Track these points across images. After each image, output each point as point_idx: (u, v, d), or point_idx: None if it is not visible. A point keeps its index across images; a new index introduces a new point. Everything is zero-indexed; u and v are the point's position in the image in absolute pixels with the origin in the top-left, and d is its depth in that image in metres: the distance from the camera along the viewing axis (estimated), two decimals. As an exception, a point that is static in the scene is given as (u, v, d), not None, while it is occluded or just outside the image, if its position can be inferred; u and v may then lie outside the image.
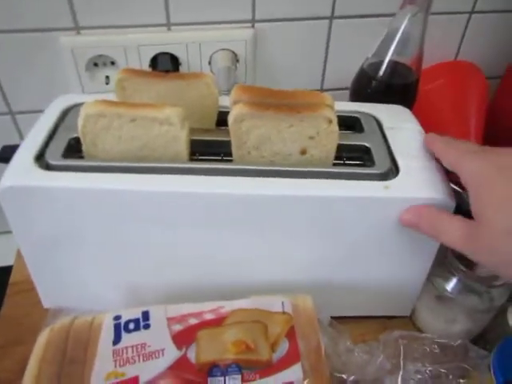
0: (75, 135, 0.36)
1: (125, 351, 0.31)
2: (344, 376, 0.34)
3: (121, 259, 0.38)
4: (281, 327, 0.33)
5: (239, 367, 0.30)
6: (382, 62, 0.45)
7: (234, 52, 0.52)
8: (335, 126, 0.34)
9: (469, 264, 0.39)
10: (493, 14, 0.57)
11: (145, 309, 0.33)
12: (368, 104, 0.43)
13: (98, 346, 0.31)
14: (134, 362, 0.30)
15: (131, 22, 0.49)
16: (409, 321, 0.44)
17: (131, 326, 0.32)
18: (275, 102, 0.35)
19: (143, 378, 0.30)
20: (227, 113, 0.36)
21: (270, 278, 0.39)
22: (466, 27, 0.58)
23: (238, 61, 0.53)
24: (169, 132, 0.34)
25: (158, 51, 0.50)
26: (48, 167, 0.34)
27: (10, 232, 0.35)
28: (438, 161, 0.36)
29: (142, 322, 0.33)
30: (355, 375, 0.34)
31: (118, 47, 0.49)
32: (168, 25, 0.50)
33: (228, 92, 0.52)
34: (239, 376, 0.30)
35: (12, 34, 0.47)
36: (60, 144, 0.36)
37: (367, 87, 0.46)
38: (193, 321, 0.33)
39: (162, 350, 0.31)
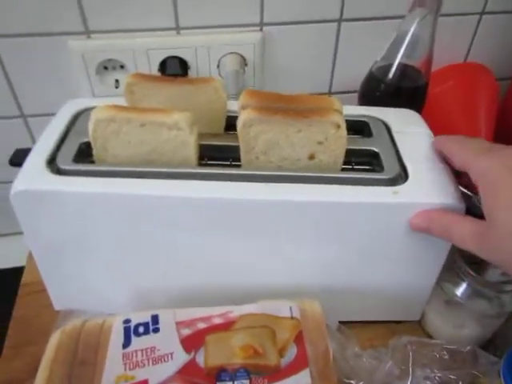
0: (86, 140, 0.37)
1: (134, 354, 0.31)
2: (352, 382, 0.34)
3: (130, 263, 0.38)
4: (289, 332, 0.33)
5: (247, 372, 0.30)
6: (390, 65, 0.45)
7: (242, 56, 0.52)
8: (344, 131, 0.34)
9: (478, 269, 0.38)
10: (503, 14, 0.57)
11: (154, 312, 0.34)
12: (376, 108, 0.42)
13: (108, 348, 0.31)
14: (144, 365, 0.31)
15: (140, 26, 0.50)
16: (418, 326, 0.44)
17: (141, 329, 0.33)
18: (283, 106, 0.35)
19: (152, 381, 0.30)
20: (236, 117, 0.36)
21: (279, 282, 0.39)
22: (477, 28, 0.57)
23: (246, 64, 0.53)
24: (177, 137, 0.34)
25: (166, 55, 0.51)
26: (59, 172, 0.34)
27: (22, 233, 0.36)
28: (447, 164, 0.36)
29: (152, 326, 0.33)
30: (363, 381, 0.34)
31: (128, 51, 0.50)
32: (177, 29, 0.50)
33: (236, 96, 0.52)
34: (247, 381, 0.30)
35: (23, 38, 0.48)
36: (71, 148, 0.36)
37: (376, 90, 0.46)
38: (201, 325, 0.33)
39: (171, 354, 0.31)
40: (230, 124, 0.39)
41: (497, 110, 0.57)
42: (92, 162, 0.36)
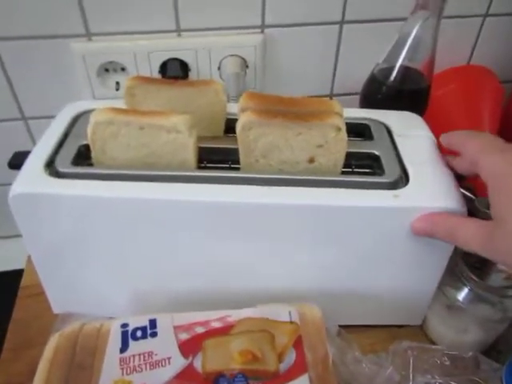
0: (85, 142, 0.37)
1: (132, 359, 0.31)
2: (352, 387, 0.34)
3: (129, 266, 0.38)
4: (288, 337, 0.32)
5: (245, 377, 0.30)
6: (392, 68, 0.44)
7: (243, 58, 0.52)
8: (344, 134, 0.34)
9: (481, 274, 0.38)
10: (507, 16, 0.56)
11: (152, 317, 0.33)
12: (378, 111, 0.42)
13: (105, 353, 0.31)
14: (141, 370, 0.30)
15: (141, 29, 0.49)
16: (419, 330, 0.44)
17: (138, 333, 0.32)
18: (283, 109, 0.35)
19: (150, 386, 0.30)
20: (235, 120, 0.36)
21: (278, 286, 0.38)
22: (480, 31, 0.57)
23: (247, 66, 0.53)
24: (176, 140, 0.34)
25: (167, 57, 0.50)
26: (58, 174, 0.34)
27: (21, 236, 0.36)
28: (449, 167, 0.36)
29: (149, 330, 0.33)
30: (363, 386, 0.34)
31: (128, 53, 0.50)
32: (178, 31, 0.50)
33: (237, 98, 0.52)
34: (245, 386, 0.30)
35: (24, 41, 0.48)
36: (70, 151, 0.36)
37: (378, 93, 0.45)
38: (199, 329, 0.33)
39: (169, 359, 0.31)
40: (230, 126, 0.39)
41: (501, 113, 0.57)
42: (91, 165, 0.36)
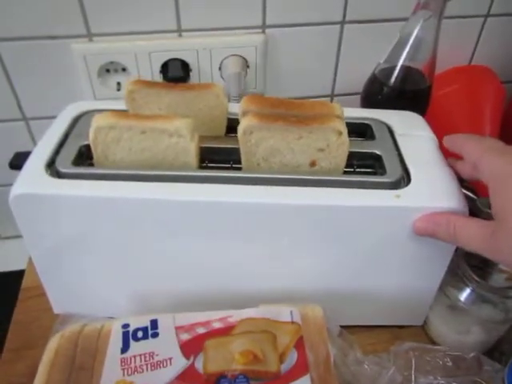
0: (86, 142, 0.36)
1: (133, 360, 0.31)
2: (354, 388, 0.34)
3: (130, 267, 0.38)
4: (289, 337, 0.32)
5: (247, 378, 0.30)
6: (394, 68, 0.44)
7: (244, 58, 0.52)
8: (345, 138, 0.34)
9: (483, 274, 0.38)
10: (508, 17, 0.56)
11: (153, 317, 0.33)
12: (379, 110, 0.42)
13: (106, 353, 0.31)
14: (142, 370, 0.30)
15: (142, 29, 0.49)
16: (421, 331, 0.43)
17: (139, 334, 0.32)
18: (284, 112, 0.35)
19: (151, 387, 0.30)
20: (236, 120, 0.36)
21: (279, 286, 0.38)
22: (481, 31, 0.56)
23: (248, 67, 0.53)
24: (178, 143, 0.34)
25: (168, 57, 0.50)
26: (58, 175, 0.34)
27: (22, 236, 0.36)
28: (451, 167, 0.36)
29: (151, 331, 0.32)
30: (365, 387, 0.34)
31: (129, 54, 0.50)
32: (179, 31, 0.50)
33: (238, 98, 0.52)
34: (247, 387, 0.30)
35: (25, 42, 0.48)
36: (70, 151, 0.36)
37: (379, 93, 0.45)
38: (201, 330, 0.33)
39: (170, 359, 0.31)
40: (231, 127, 0.39)
41: (502, 113, 0.57)
42: (92, 165, 0.36)
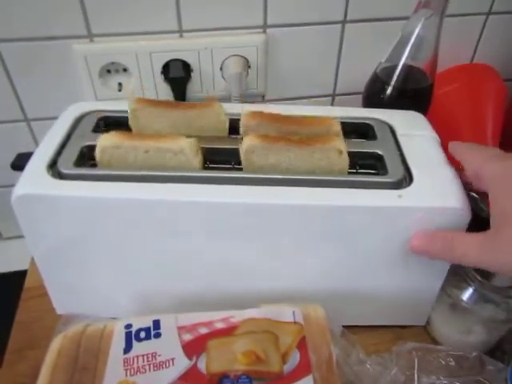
0: (87, 143, 0.37)
1: (135, 360, 0.31)
2: (356, 388, 0.33)
3: (132, 267, 0.38)
4: (292, 338, 0.32)
5: (250, 378, 0.30)
6: (395, 67, 0.44)
7: (245, 58, 0.52)
8: (345, 156, 0.35)
9: (485, 274, 0.38)
10: (510, 14, 0.56)
11: (156, 317, 0.33)
12: (381, 110, 0.42)
13: (108, 354, 0.31)
14: (145, 371, 0.30)
15: (143, 29, 0.49)
16: (423, 331, 0.43)
17: (142, 334, 0.32)
18: (285, 129, 0.36)
19: (153, 387, 0.30)
20: (237, 120, 0.37)
21: (281, 286, 0.38)
22: (483, 29, 0.56)
23: (249, 67, 0.53)
24: (182, 159, 0.35)
25: (169, 58, 0.50)
26: (60, 176, 0.34)
27: (24, 237, 0.36)
28: (455, 168, 0.36)
29: (153, 331, 0.32)
30: (368, 388, 0.34)
31: (131, 54, 0.50)
32: (180, 31, 0.50)
33: (239, 98, 0.52)
34: (249, 387, 0.30)
35: (26, 43, 0.48)
36: (72, 152, 0.36)
37: (380, 92, 0.45)
38: (203, 330, 0.33)
39: (173, 360, 0.31)
40: (233, 127, 0.39)
41: (504, 112, 0.56)
42: (93, 166, 0.36)
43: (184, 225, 0.35)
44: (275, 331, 0.32)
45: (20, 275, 0.49)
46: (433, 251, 0.32)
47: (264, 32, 0.52)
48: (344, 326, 0.37)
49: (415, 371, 0.34)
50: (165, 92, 0.52)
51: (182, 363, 0.31)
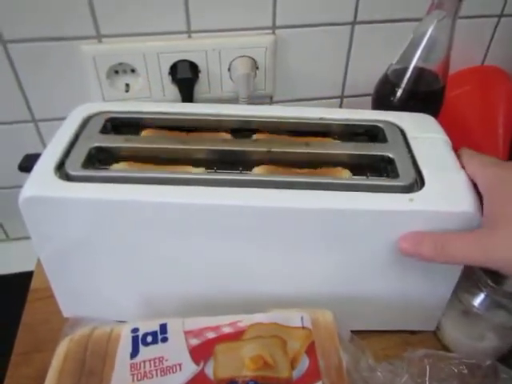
0: (95, 144, 0.36)
1: (142, 365, 0.30)
2: (366, 396, 0.33)
3: (139, 270, 0.37)
4: (300, 343, 0.32)
5: (258, 384, 0.29)
6: (406, 69, 0.43)
7: (253, 59, 0.52)
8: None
9: (497, 279, 0.37)
10: (522, 17, 0.55)
11: (162, 321, 0.33)
12: (391, 112, 0.41)
13: (115, 358, 0.31)
14: (152, 376, 0.30)
15: (152, 30, 0.49)
16: (433, 336, 0.43)
17: (149, 338, 0.32)
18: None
19: (161, 393, 0.29)
20: (244, 121, 0.36)
21: (289, 290, 0.38)
22: (495, 31, 0.56)
23: (257, 68, 0.52)
24: None
25: (177, 59, 0.50)
26: (68, 177, 0.34)
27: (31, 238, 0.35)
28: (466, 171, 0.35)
29: (160, 335, 0.32)
30: (378, 395, 0.33)
31: (138, 55, 0.49)
32: (188, 32, 0.50)
33: (247, 99, 0.52)
34: (258, 394, 0.29)
35: (35, 43, 0.48)
36: (80, 154, 0.36)
37: (391, 94, 0.44)
38: (210, 335, 0.32)
39: (180, 365, 0.30)
40: (239, 128, 0.38)
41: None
42: (101, 168, 0.36)
43: (192, 227, 0.34)
44: (283, 336, 0.32)
45: (26, 276, 0.48)
46: (423, 252, 0.32)
47: (273, 33, 0.52)
48: (352, 331, 0.36)
49: (427, 379, 0.33)
50: (172, 93, 0.52)
51: (189, 368, 0.30)
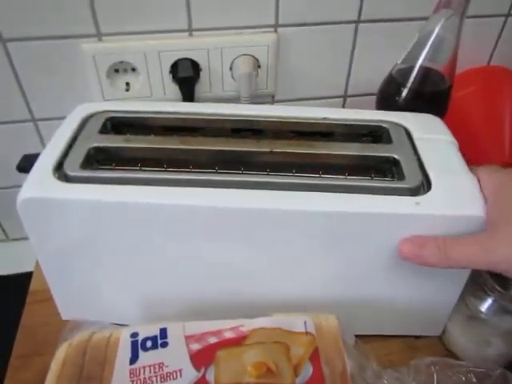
0: (94, 145, 0.36)
1: (142, 371, 0.30)
2: (372, 404, 0.32)
3: (139, 272, 0.37)
4: (304, 349, 0.31)
5: (260, 392, 0.29)
6: (412, 68, 0.43)
7: (255, 58, 0.51)
8: None
9: (505, 284, 0.36)
10: (529, 16, 0.54)
11: (162, 326, 0.32)
12: (396, 113, 0.41)
13: (114, 364, 0.30)
14: (152, 382, 0.29)
15: (152, 28, 0.48)
16: (438, 341, 0.42)
17: (149, 343, 0.31)
18: None
19: (160, 400, 0.28)
20: (244, 121, 0.36)
21: (292, 294, 0.37)
22: (502, 31, 0.55)
23: (259, 66, 0.52)
24: None
25: (178, 57, 0.49)
26: (66, 178, 0.33)
27: (30, 239, 0.35)
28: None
29: (160, 340, 0.31)
30: (383, 403, 0.32)
31: (139, 53, 0.49)
32: (189, 30, 0.49)
33: (249, 98, 0.51)
34: (260, 401, 0.28)
35: (34, 42, 0.47)
36: (79, 154, 0.35)
37: (396, 94, 0.44)
38: (212, 339, 0.32)
39: (180, 371, 0.30)
40: (240, 128, 0.38)
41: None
42: (100, 168, 0.35)
43: (193, 229, 0.34)
44: (286, 342, 0.31)
45: (26, 277, 0.48)
46: (425, 256, 0.31)
47: (275, 31, 0.51)
48: (355, 336, 0.36)
49: (434, 387, 0.33)
50: (173, 92, 0.52)
51: (190, 375, 0.29)
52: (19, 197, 0.32)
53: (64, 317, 0.40)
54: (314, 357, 0.31)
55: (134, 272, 0.37)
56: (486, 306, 0.37)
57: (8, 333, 0.43)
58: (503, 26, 0.55)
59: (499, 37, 0.55)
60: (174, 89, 0.51)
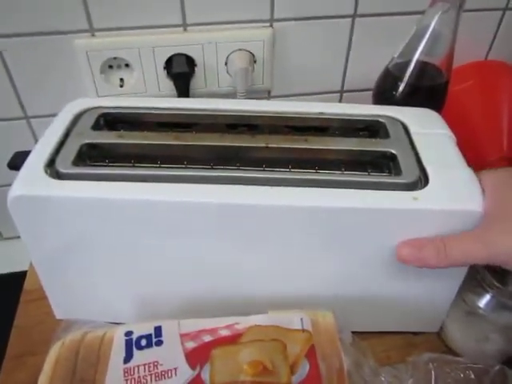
0: (87, 141, 0.35)
1: (136, 370, 0.29)
2: (369, 401, 0.32)
3: (133, 270, 0.36)
4: (300, 346, 0.31)
5: (256, 390, 0.28)
6: (409, 62, 0.42)
7: (251, 52, 0.50)
8: None
9: (503, 279, 0.36)
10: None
11: (157, 324, 0.32)
12: (393, 107, 0.40)
13: (108, 363, 0.30)
14: (146, 382, 0.29)
15: (146, 23, 0.48)
16: (436, 337, 0.42)
17: (143, 342, 0.31)
18: None
19: (155, 399, 0.28)
20: (239, 116, 0.36)
21: (288, 291, 0.37)
22: (499, 25, 0.54)
23: (255, 61, 0.51)
24: None
25: (173, 52, 0.49)
26: (58, 175, 0.33)
27: (23, 238, 0.34)
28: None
29: (155, 339, 0.31)
30: (381, 401, 0.32)
31: (133, 49, 0.48)
32: (184, 25, 0.49)
33: (245, 94, 0.51)
34: (256, 400, 0.28)
35: (27, 38, 0.46)
36: (71, 151, 0.34)
37: (392, 89, 0.43)
38: (207, 338, 0.31)
39: (175, 369, 0.29)
40: (236, 123, 0.37)
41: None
42: (92, 165, 0.34)
43: (188, 227, 0.33)
44: (283, 339, 0.31)
45: (21, 276, 0.47)
46: (425, 258, 0.31)
47: (271, 26, 0.50)
48: (352, 333, 0.35)
49: (432, 384, 0.32)
50: (168, 88, 0.51)
51: (185, 374, 0.29)
52: (10, 194, 0.31)
53: (58, 316, 0.40)
54: (311, 354, 0.30)
55: (128, 270, 0.36)
56: (484, 301, 0.37)
57: (2, 332, 0.42)
58: (501, 20, 0.54)
59: (497, 31, 0.55)
60: (168, 85, 0.51)
